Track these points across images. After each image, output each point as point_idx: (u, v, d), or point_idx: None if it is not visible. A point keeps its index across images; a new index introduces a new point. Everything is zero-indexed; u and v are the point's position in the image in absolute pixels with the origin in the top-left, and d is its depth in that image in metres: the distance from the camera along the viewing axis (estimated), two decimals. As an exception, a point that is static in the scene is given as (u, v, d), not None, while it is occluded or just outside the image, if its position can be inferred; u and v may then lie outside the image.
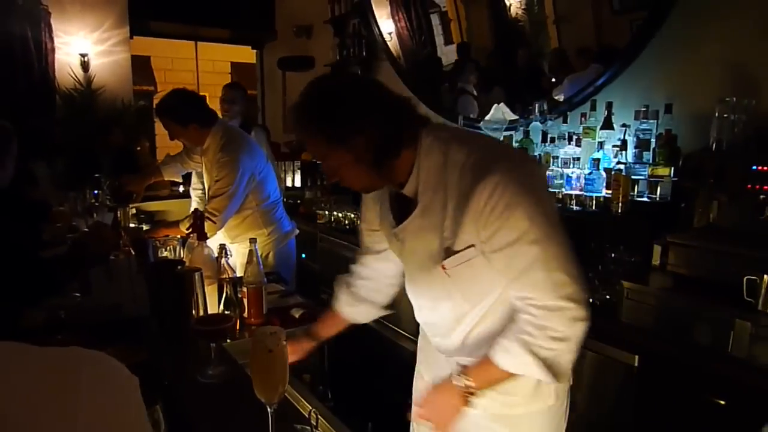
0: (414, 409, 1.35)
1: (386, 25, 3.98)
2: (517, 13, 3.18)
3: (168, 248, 2.13)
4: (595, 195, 2.31)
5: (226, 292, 1.61)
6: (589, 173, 2.33)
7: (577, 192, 2.38)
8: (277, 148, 4.78)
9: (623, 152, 2.27)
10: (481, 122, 3.11)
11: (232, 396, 1.35)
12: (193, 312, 1.51)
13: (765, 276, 1.62)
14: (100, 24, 4.87)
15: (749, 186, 1.82)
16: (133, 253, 2.26)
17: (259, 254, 1.92)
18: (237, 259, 2.56)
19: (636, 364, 1.86)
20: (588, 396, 2.04)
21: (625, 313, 1.97)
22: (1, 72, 4.43)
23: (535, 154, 2.63)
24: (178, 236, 2.44)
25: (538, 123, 2.74)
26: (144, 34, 5.56)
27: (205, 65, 8.23)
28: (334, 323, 1.56)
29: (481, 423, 1.32)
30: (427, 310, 1.36)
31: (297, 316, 1.93)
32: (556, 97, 2.85)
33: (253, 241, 1.93)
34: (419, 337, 1.55)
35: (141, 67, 7.32)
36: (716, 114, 1.98)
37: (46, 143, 4.19)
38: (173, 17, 5.25)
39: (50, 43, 4.58)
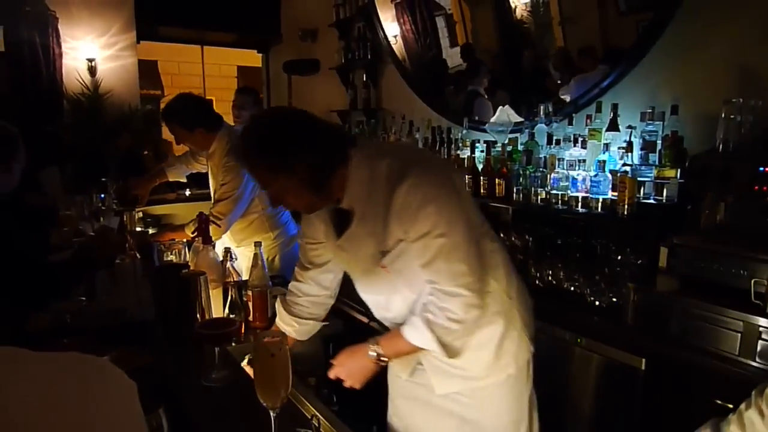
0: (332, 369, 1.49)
1: (391, 28, 3.98)
2: (522, 15, 3.16)
3: (173, 252, 2.14)
4: (601, 197, 2.29)
5: (231, 296, 1.62)
6: (595, 175, 2.31)
7: (583, 194, 2.36)
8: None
9: (629, 154, 2.25)
10: (487, 124, 3.11)
11: (235, 399, 1.36)
12: (198, 316, 1.52)
13: (773, 278, 1.61)
14: (107, 29, 4.90)
15: (756, 187, 1.80)
16: (139, 256, 2.27)
17: (265, 258, 1.92)
18: (243, 263, 2.57)
19: (643, 368, 1.85)
20: (594, 399, 2.03)
21: (631, 315, 1.96)
22: (9, 77, 4.47)
23: (541, 156, 2.61)
24: (184, 240, 2.45)
25: (543, 125, 2.72)
26: (151, 39, 5.59)
27: (211, 69, 8.28)
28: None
29: (445, 403, 1.47)
30: (381, 308, 1.53)
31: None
32: (562, 97, 2.84)
33: (258, 244, 1.93)
34: None
35: (148, 71, 7.38)
36: (723, 115, 1.96)
37: (54, 148, 4.22)
38: (180, 22, 5.27)
39: (58, 48, 4.60)
